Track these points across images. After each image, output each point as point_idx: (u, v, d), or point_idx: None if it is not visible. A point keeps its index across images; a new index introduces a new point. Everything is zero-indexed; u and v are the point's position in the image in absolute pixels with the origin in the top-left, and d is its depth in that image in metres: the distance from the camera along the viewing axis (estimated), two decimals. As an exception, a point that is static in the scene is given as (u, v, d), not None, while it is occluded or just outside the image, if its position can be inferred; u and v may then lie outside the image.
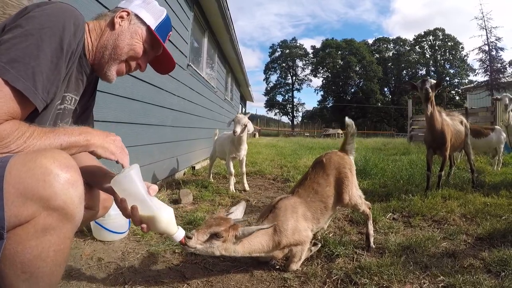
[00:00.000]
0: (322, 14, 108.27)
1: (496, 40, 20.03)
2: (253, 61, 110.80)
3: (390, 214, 2.55)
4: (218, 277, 1.51)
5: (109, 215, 1.77)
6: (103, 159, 0.95)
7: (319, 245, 1.81)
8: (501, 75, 19.07)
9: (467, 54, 43.10)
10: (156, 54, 1.18)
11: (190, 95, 4.64)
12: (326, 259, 1.72)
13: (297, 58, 51.43)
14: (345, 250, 1.77)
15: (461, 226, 2.25)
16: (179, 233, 1.07)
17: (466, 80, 40.81)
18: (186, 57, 4.31)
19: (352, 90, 50.05)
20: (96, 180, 1.07)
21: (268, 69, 52.93)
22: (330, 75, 49.83)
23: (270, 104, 51.99)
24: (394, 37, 52.71)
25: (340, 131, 22.47)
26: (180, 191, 2.91)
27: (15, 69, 0.75)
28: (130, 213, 0.94)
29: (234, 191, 3.39)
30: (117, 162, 0.94)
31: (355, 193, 1.78)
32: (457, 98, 39.67)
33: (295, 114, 51.98)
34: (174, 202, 2.84)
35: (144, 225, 0.96)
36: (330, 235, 2.05)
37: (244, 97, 19.35)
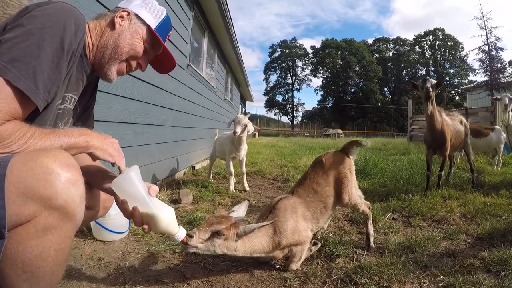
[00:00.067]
0: (322, 14, 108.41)
1: (496, 40, 20.05)
2: (253, 61, 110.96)
3: (390, 214, 2.55)
4: (218, 277, 1.51)
5: (109, 215, 1.77)
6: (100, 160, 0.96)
7: (319, 245, 1.81)
8: (501, 75, 19.07)
9: (467, 54, 43.23)
10: (156, 53, 1.18)
11: (190, 95, 4.64)
12: (326, 258, 1.72)
13: (297, 58, 51.46)
14: (345, 250, 1.77)
15: (461, 226, 2.25)
16: (180, 233, 1.07)
17: (466, 80, 40.87)
18: (186, 57, 4.31)
19: (352, 90, 50.10)
20: (96, 180, 1.07)
21: (268, 69, 53.01)
22: (330, 75, 49.85)
23: (270, 104, 52.03)
24: (394, 37, 52.93)
25: (340, 131, 22.49)
26: (180, 191, 2.91)
27: (17, 68, 0.75)
28: (131, 214, 0.94)
29: (234, 191, 3.39)
30: (113, 164, 0.95)
31: (354, 193, 1.78)
32: (457, 98, 39.72)
33: (295, 114, 52.10)
34: (174, 202, 2.84)
35: (145, 226, 0.96)
36: (330, 235, 2.05)
37: (244, 97, 19.35)
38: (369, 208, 1.89)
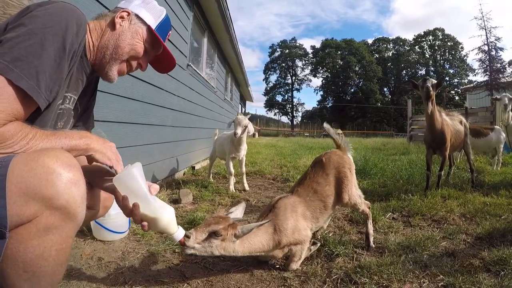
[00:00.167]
0: (322, 14, 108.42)
1: (495, 40, 20.02)
2: (252, 61, 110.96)
3: (390, 213, 2.55)
4: (218, 277, 1.52)
5: (109, 215, 1.77)
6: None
7: (318, 244, 1.81)
8: (500, 75, 19.06)
9: (466, 54, 43.24)
10: (157, 53, 1.18)
11: (190, 95, 4.64)
12: (326, 258, 1.72)
13: (296, 58, 51.47)
14: (345, 249, 1.77)
15: (461, 225, 2.25)
16: (179, 233, 1.07)
17: (466, 80, 40.88)
18: (186, 57, 4.32)
19: (352, 90, 50.11)
20: (96, 179, 1.07)
21: (267, 69, 53.01)
22: (329, 75, 49.87)
23: (270, 104, 52.04)
24: (394, 37, 52.94)
25: (340, 131, 22.45)
26: (180, 191, 2.91)
27: (19, 68, 0.75)
28: (131, 211, 0.94)
29: (234, 191, 3.40)
30: (110, 167, 0.96)
31: (354, 192, 1.78)
32: (457, 98, 39.73)
33: (294, 114, 52.11)
34: (174, 201, 2.84)
35: (145, 223, 0.97)
36: (330, 235, 2.05)
37: (244, 97, 19.35)
38: (369, 208, 1.89)
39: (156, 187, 1.00)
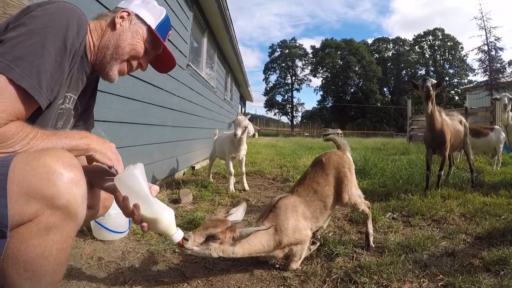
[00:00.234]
0: (322, 14, 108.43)
1: (495, 40, 20.00)
2: (252, 61, 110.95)
3: (390, 213, 2.55)
4: (218, 276, 1.52)
5: (109, 215, 1.77)
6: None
7: (318, 244, 1.82)
8: (500, 75, 19.05)
9: (466, 54, 43.24)
10: (157, 53, 1.19)
11: (190, 95, 4.64)
12: (326, 258, 1.72)
13: (296, 58, 51.46)
14: (344, 249, 1.77)
15: (461, 225, 2.26)
16: (177, 235, 1.08)
17: (466, 80, 40.90)
18: (185, 57, 4.32)
19: (352, 90, 50.11)
20: (96, 179, 1.07)
21: (267, 69, 53.00)
22: (329, 75, 49.87)
23: (270, 104, 52.03)
24: (394, 37, 52.95)
25: (339, 131, 22.49)
26: (180, 191, 2.91)
27: (20, 67, 0.75)
28: (131, 212, 0.94)
29: (234, 190, 3.40)
30: (110, 168, 0.96)
31: (354, 192, 1.79)
32: (457, 98, 39.72)
33: (294, 114, 52.10)
34: (174, 201, 2.84)
35: (144, 224, 0.97)
36: (329, 235, 2.06)
37: (244, 97, 19.35)
38: (369, 208, 1.89)
39: (156, 188, 1.01)
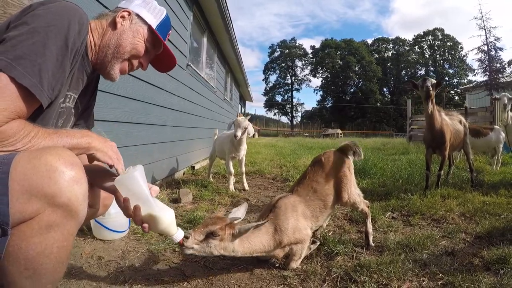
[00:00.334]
0: (322, 14, 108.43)
1: (495, 40, 20.00)
2: (252, 61, 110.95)
3: (389, 213, 2.56)
4: (218, 275, 1.52)
5: (109, 214, 1.78)
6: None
7: (318, 243, 1.82)
8: (500, 75, 19.04)
9: (466, 54, 43.24)
10: (157, 52, 1.20)
11: (190, 95, 4.65)
12: (326, 257, 1.72)
13: (296, 58, 51.42)
14: (344, 248, 1.78)
15: (460, 224, 2.26)
16: (178, 234, 1.08)
17: (465, 80, 40.88)
18: (185, 57, 4.32)
19: (351, 90, 50.07)
20: (97, 179, 1.08)
21: (267, 69, 52.96)
22: (329, 75, 49.84)
23: (270, 104, 52.00)
24: (393, 37, 52.90)
25: (339, 131, 22.51)
26: (180, 191, 2.92)
27: (22, 66, 0.75)
28: (131, 213, 0.95)
29: (234, 190, 3.40)
30: (110, 167, 0.97)
31: (353, 191, 1.79)
32: (456, 98, 39.72)
33: (294, 114, 52.04)
34: (174, 201, 2.84)
35: (145, 225, 0.97)
36: (329, 234, 2.06)
37: (244, 97, 19.35)
38: (368, 207, 1.89)
39: (156, 189, 1.01)
